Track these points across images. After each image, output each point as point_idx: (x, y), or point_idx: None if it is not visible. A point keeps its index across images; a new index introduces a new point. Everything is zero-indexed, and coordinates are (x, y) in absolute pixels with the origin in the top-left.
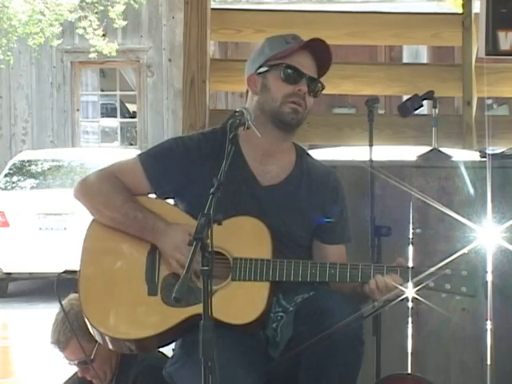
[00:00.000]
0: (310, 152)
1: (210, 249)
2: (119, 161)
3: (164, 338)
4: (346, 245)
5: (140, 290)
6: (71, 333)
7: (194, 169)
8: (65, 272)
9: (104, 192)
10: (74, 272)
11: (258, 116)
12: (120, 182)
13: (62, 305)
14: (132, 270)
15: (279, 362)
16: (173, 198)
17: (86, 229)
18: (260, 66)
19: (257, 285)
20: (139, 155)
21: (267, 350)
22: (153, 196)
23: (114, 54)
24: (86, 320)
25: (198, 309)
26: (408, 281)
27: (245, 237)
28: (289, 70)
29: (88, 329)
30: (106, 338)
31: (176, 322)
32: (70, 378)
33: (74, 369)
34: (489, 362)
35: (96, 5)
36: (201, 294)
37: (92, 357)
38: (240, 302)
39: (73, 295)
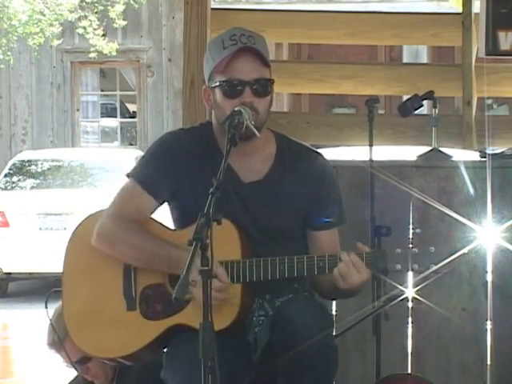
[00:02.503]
0: None
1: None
2: (118, 192)
3: (148, 351)
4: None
5: (119, 305)
6: (65, 332)
7: (179, 166)
8: (54, 291)
9: (122, 239)
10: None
11: (220, 128)
12: (132, 222)
13: (51, 323)
14: (110, 285)
15: (258, 370)
16: (168, 202)
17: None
18: (209, 78)
19: (229, 288)
20: (130, 175)
21: (250, 354)
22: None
23: (114, 53)
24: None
25: (176, 319)
26: (373, 266)
27: (213, 238)
28: (227, 87)
29: None
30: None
31: (156, 335)
32: (73, 379)
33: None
34: (489, 362)
35: (96, 5)
36: (178, 304)
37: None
38: (214, 308)
39: None
